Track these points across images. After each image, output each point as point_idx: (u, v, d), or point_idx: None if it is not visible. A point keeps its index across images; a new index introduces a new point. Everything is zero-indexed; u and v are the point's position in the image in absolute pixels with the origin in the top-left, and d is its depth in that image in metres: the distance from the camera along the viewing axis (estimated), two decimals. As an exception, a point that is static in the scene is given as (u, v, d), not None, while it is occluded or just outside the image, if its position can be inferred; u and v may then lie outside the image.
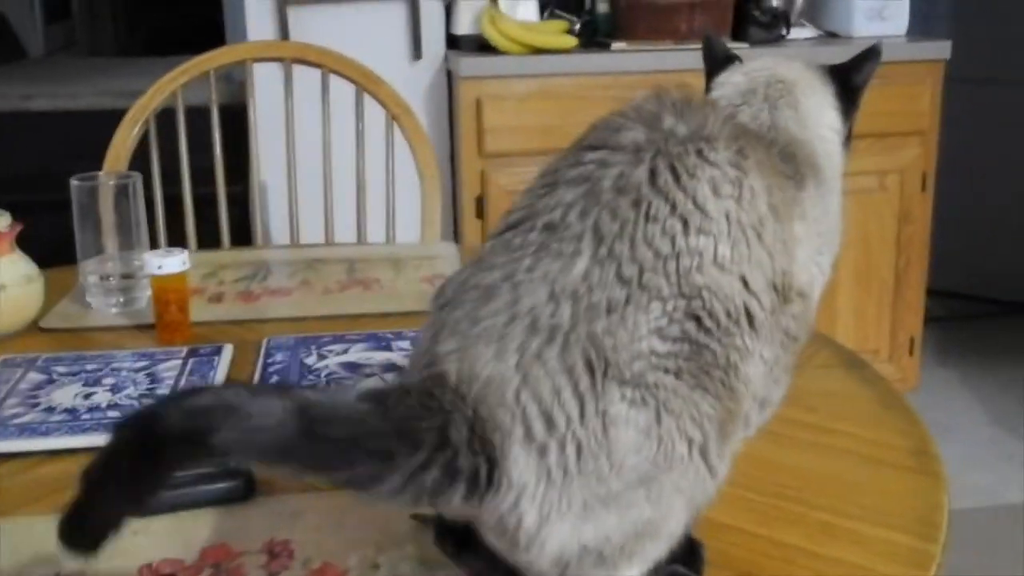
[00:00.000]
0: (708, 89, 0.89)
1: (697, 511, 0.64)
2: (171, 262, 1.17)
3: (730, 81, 0.86)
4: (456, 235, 2.74)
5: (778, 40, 2.74)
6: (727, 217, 0.63)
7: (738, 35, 2.73)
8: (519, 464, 0.56)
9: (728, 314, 0.61)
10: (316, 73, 1.89)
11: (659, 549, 0.62)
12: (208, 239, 1.85)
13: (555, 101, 2.58)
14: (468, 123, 2.59)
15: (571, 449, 0.56)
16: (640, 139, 0.64)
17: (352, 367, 1.08)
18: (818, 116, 0.85)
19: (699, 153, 0.64)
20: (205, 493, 0.82)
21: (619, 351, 0.58)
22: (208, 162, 1.86)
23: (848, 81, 0.87)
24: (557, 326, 0.58)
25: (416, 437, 0.55)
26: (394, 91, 1.87)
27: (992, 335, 3.60)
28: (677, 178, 0.62)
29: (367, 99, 1.87)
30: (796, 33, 2.77)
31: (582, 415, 0.57)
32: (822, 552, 0.75)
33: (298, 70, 1.91)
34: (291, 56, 1.92)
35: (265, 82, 1.97)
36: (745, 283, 0.63)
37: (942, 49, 2.74)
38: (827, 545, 0.76)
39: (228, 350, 1.13)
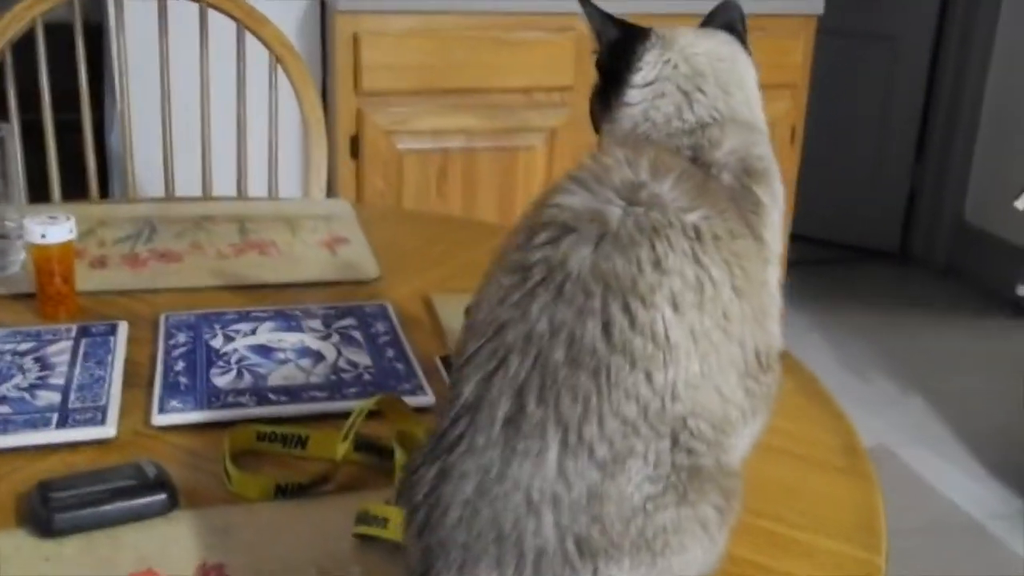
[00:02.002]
0: (627, 68, 0.80)
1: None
2: (56, 230, 1.06)
3: (669, 61, 0.79)
4: (329, 175, 2.63)
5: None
6: (692, 333, 0.58)
7: (621, -21, 2.69)
8: None
9: (714, 426, 0.60)
10: (192, 7, 1.75)
11: None
12: (69, 176, 1.71)
13: (435, 39, 2.50)
14: (344, 59, 2.48)
15: None
16: (585, 267, 0.58)
17: (264, 351, 1.01)
18: (755, 91, 0.81)
19: (656, 266, 0.58)
20: (122, 510, 0.75)
21: (610, 530, 0.56)
22: (69, 86, 1.71)
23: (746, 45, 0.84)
24: (544, 544, 0.55)
25: None
26: (279, 31, 1.76)
27: (844, 281, 3.76)
28: (632, 319, 0.57)
29: (249, 38, 1.75)
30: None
31: None
32: (774, 566, 0.75)
33: (171, 3, 1.77)
34: (164, -14, 1.77)
35: (135, 15, 1.82)
36: (720, 392, 0.60)
37: (815, 4, 2.78)
38: (777, 557, 0.76)
39: (123, 328, 1.05)
